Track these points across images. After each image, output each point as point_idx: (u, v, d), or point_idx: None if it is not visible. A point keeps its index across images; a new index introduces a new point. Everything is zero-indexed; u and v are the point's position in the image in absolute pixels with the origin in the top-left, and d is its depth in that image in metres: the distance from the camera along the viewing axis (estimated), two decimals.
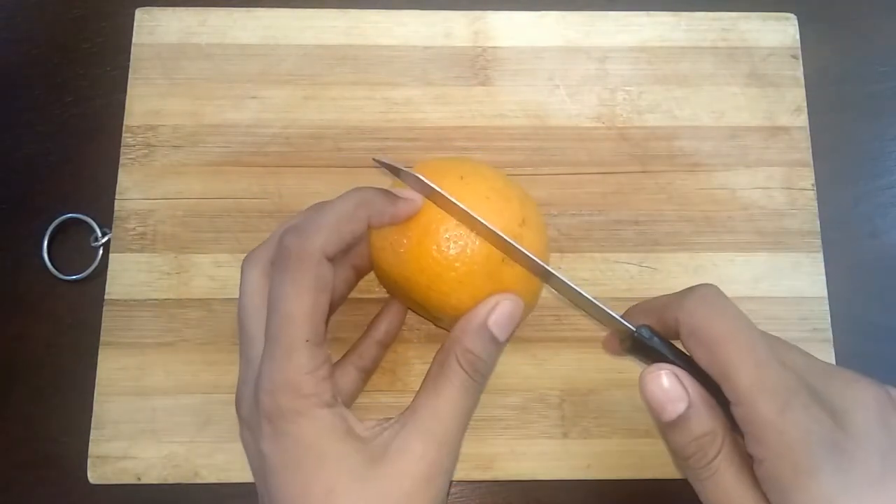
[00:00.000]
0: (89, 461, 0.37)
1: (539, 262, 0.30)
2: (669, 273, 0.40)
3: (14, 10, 0.45)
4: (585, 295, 0.29)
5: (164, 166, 0.41)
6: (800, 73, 0.43)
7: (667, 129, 0.42)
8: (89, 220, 0.40)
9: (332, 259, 0.29)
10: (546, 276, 0.31)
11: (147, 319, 0.39)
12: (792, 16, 0.44)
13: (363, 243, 0.33)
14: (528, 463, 0.37)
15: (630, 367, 0.38)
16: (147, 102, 0.42)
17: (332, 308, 0.33)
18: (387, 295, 0.38)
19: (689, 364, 0.27)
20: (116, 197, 0.40)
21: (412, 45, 0.43)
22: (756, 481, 0.25)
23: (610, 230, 0.40)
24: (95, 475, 0.37)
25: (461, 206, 0.30)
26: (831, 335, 0.39)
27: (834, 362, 0.39)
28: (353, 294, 0.38)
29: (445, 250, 0.30)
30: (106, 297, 0.39)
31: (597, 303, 0.29)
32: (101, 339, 0.38)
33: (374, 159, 0.32)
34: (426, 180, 0.30)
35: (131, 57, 0.42)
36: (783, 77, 0.43)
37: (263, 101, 0.42)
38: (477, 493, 0.38)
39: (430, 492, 0.27)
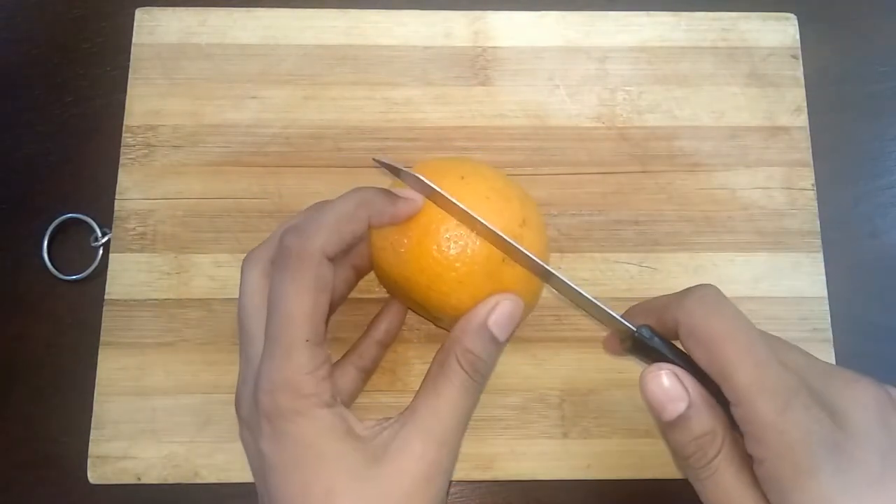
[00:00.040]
0: (89, 461, 0.37)
1: (539, 262, 0.30)
2: (669, 273, 0.40)
3: (14, 10, 0.45)
4: (586, 295, 0.29)
5: (164, 166, 0.41)
6: (800, 73, 0.43)
7: (667, 129, 0.42)
8: (89, 220, 0.40)
9: (333, 259, 0.29)
10: (546, 276, 0.31)
11: (147, 319, 0.39)
12: (792, 16, 0.44)
13: (363, 243, 0.33)
14: (528, 463, 0.37)
15: (630, 367, 0.38)
16: (147, 102, 0.42)
17: (332, 308, 0.33)
18: (387, 295, 0.38)
19: (689, 364, 0.27)
20: (116, 197, 0.40)
21: (412, 45, 0.43)
22: (756, 481, 0.25)
23: (610, 230, 0.40)
24: (95, 475, 0.37)
25: (461, 206, 0.30)
26: (831, 335, 0.39)
27: (834, 362, 0.39)
28: (353, 294, 0.38)
29: (446, 250, 0.30)
30: (106, 297, 0.39)
31: (597, 303, 0.29)
32: (101, 339, 0.38)
33: (374, 159, 0.32)
34: (426, 181, 0.30)
35: (131, 57, 0.42)
36: (783, 77, 0.43)
37: (263, 101, 0.42)
38: (477, 493, 0.38)
39: (429, 491, 0.27)
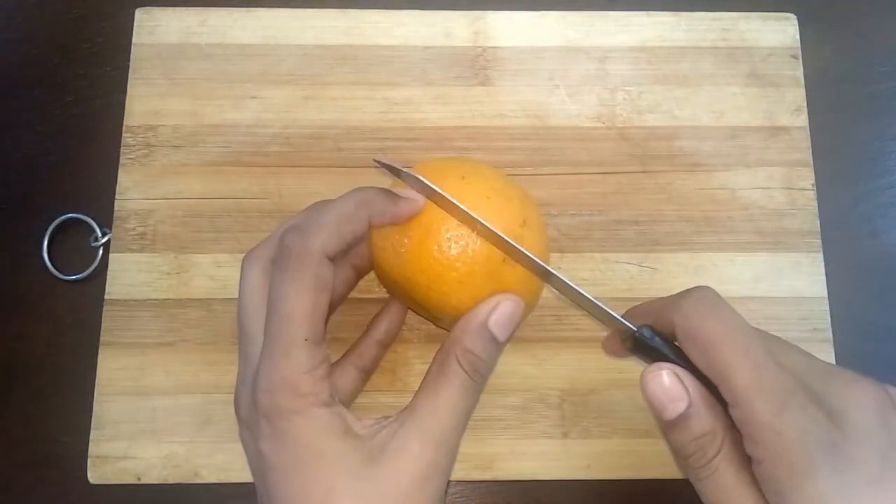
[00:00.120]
0: (89, 461, 0.37)
1: (539, 262, 0.30)
2: (669, 273, 0.40)
3: (14, 10, 0.45)
4: (586, 295, 0.29)
5: (164, 166, 0.41)
6: (800, 73, 0.43)
7: (667, 129, 0.42)
8: (89, 220, 0.40)
9: (333, 259, 0.29)
10: (546, 276, 0.31)
11: (147, 319, 0.39)
12: (792, 16, 0.44)
13: (363, 243, 0.33)
14: (528, 463, 0.37)
15: (630, 367, 0.38)
16: (147, 102, 0.42)
17: (332, 308, 0.33)
18: (387, 295, 0.38)
19: (689, 364, 0.27)
20: (116, 197, 0.40)
21: (412, 45, 0.43)
22: (756, 481, 0.25)
23: (610, 230, 0.40)
24: (95, 475, 0.37)
25: (462, 206, 0.30)
26: (831, 335, 0.39)
27: (834, 362, 0.39)
28: (353, 294, 0.38)
29: (446, 250, 0.30)
30: (106, 297, 0.39)
31: (598, 303, 0.29)
32: (101, 339, 0.38)
33: (374, 160, 0.32)
34: (427, 181, 0.30)
35: (131, 57, 0.42)
36: (783, 77, 0.43)
37: (263, 101, 0.42)
38: (477, 493, 0.38)
39: (427, 491, 0.27)
